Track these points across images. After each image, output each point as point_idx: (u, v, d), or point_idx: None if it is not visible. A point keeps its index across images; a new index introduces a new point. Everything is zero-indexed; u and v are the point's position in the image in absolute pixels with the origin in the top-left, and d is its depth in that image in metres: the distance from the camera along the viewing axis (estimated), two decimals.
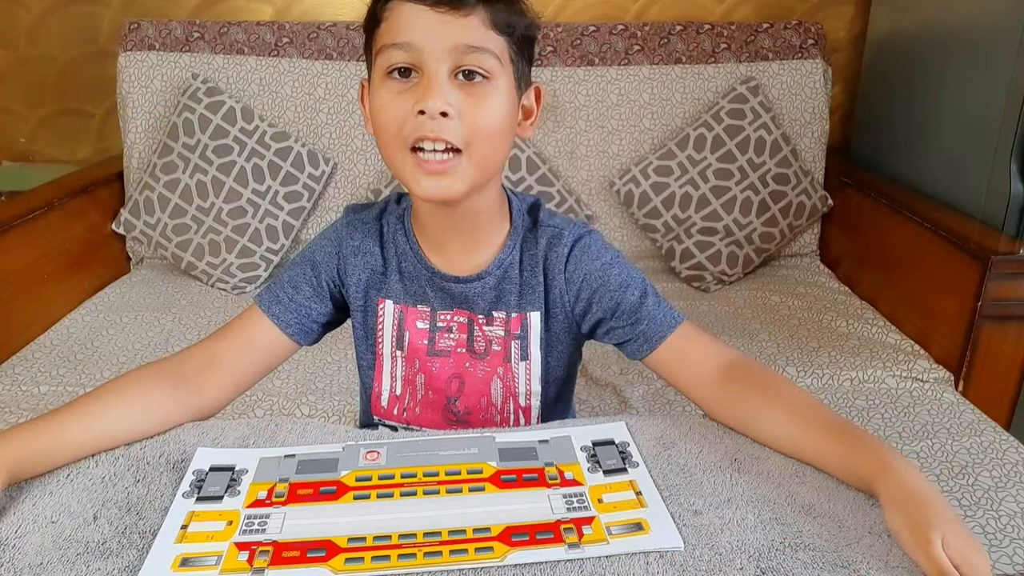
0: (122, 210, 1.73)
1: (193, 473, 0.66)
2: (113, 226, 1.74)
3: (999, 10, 1.43)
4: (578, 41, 1.81)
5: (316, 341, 0.84)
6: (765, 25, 1.83)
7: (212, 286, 1.68)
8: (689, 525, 0.59)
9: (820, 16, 1.96)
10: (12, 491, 0.62)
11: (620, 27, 1.82)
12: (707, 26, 1.83)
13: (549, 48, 1.80)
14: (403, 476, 0.65)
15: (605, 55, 1.81)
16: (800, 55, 1.82)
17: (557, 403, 0.87)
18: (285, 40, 1.80)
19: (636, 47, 1.82)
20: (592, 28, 1.82)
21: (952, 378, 1.34)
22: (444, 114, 0.67)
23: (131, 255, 1.82)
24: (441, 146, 0.68)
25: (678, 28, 1.83)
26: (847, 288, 1.69)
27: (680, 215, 1.73)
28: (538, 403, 0.83)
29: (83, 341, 1.43)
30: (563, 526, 0.58)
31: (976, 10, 1.50)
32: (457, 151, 0.68)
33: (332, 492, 0.63)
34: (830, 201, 1.81)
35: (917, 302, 1.48)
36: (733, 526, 0.58)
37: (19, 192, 1.64)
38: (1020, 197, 1.39)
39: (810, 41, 1.82)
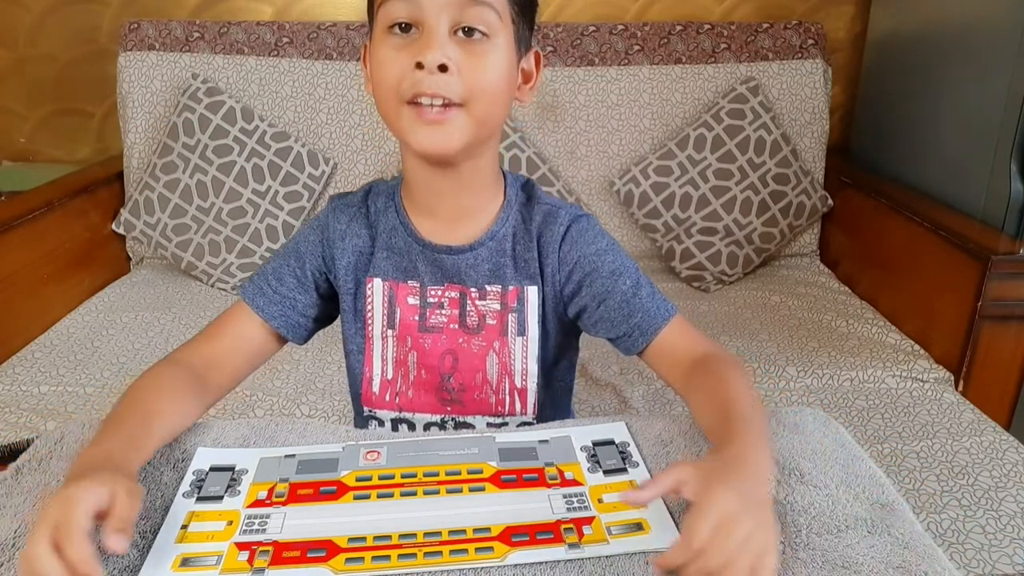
0: (122, 210, 1.73)
1: (193, 473, 0.66)
2: (113, 226, 1.74)
3: (999, 10, 1.43)
4: (578, 41, 1.81)
5: (307, 338, 0.83)
6: (765, 25, 1.83)
7: (212, 286, 1.68)
8: None
9: (820, 16, 1.96)
10: (12, 490, 0.62)
11: (620, 27, 1.82)
12: (707, 26, 1.83)
13: (549, 48, 1.80)
14: (403, 476, 0.65)
15: (605, 55, 1.82)
16: (800, 55, 1.82)
17: (551, 388, 0.85)
18: (285, 40, 1.80)
19: (636, 47, 1.82)
20: (592, 28, 1.82)
21: (952, 378, 1.34)
22: (443, 68, 0.66)
23: (131, 255, 1.82)
24: (439, 102, 0.67)
25: (678, 28, 1.83)
26: (847, 288, 1.69)
27: (680, 215, 1.73)
28: (534, 385, 0.82)
29: (83, 341, 1.43)
30: (563, 526, 0.58)
31: (976, 10, 1.50)
32: (457, 106, 0.68)
33: (332, 492, 0.63)
34: (830, 201, 1.81)
35: (917, 302, 1.48)
36: None
37: (19, 192, 1.64)
38: (1020, 197, 1.39)
39: (810, 41, 1.82)
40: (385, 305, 0.81)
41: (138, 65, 1.76)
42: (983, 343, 1.31)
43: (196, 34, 1.79)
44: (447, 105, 0.68)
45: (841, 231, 1.83)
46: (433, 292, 0.80)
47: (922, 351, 1.40)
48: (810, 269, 1.81)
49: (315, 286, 0.82)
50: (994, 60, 1.43)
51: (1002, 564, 0.91)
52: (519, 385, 0.82)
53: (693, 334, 0.78)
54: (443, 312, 0.80)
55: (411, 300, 0.80)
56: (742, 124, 1.73)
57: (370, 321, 0.81)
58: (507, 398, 0.82)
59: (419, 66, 0.66)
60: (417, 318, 0.80)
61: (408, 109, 0.68)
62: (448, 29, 0.67)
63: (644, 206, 1.74)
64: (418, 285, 0.80)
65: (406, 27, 0.68)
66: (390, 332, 0.81)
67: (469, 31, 0.68)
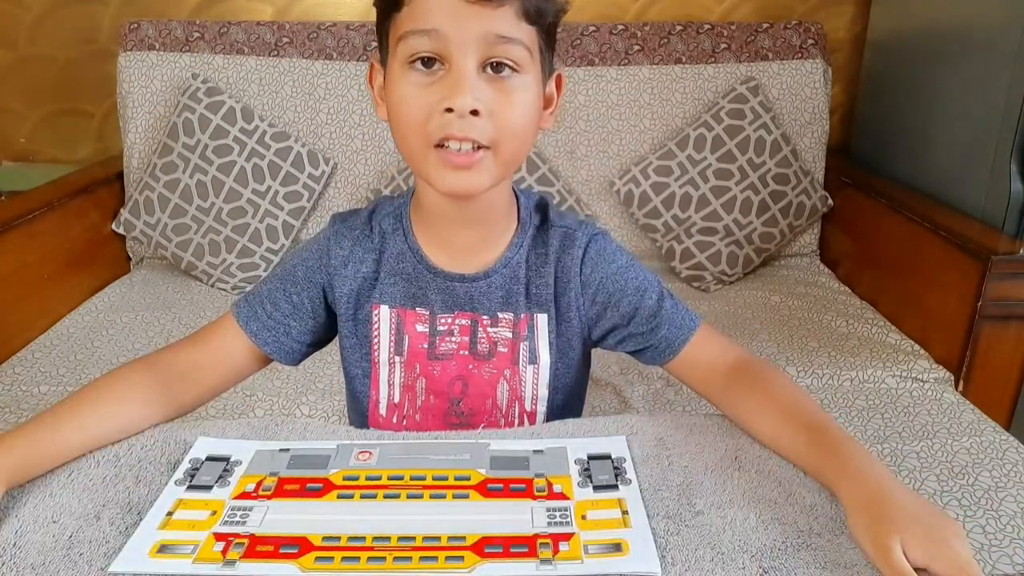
0: (122, 210, 1.73)
1: (189, 462, 0.66)
2: (113, 226, 1.74)
3: (999, 10, 1.43)
4: (578, 41, 1.81)
5: (301, 361, 0.82)
6: (765, 25, 1.83)
7: (212, 286, 1.68)
8: (691, 525, 0.59)
9: (820, 16, 1.96)
10: (13, 491, 0.62)
11: (620, 27, 1.82)
12: (707, 26, 1.83)
13: None
14: (390, 478, 0.64)
15: (605, 55, 1.81)
16: (800, 55, 1.82)
17: (564, 411, 0.84)
18: (285, 40, 1.80)
19: (636, 47, 1.82)
20: (592, 28, 1.82)
21: (952, 378, 1.34)
22: (474, 112, 0.64)
23: (131, 255, 1.82)
24: (468, 145, 0.65)
25: (678, 28, 1.83)
26: (847, 288, 1.69)
27: (680, 215, 1.73)
28: (544, 408, 0.81)
29: (83, 341, 1.43)
30: (540, 541, 0.57)
31: (976, 10, 1.50)
32: (484, 147, 0.66)
33: (318, 489, 0.63)
34: (830, 201, 1.81)
35: (917, 302, 1.48)
36: (735, 526, 0.58)
37: (19, 192, 1.64)
38: (1020, 197, 1.39)
39: (810, 41, 1.82)
40: (392, 332, 0.79)
41: (138, 65, 1.76)
42: (983, 343, 1.31)
43: (196, 34, 1.79)
44: (475, 147, 0.65)
45: (841, 231, 1.83)
46: (443, 320, 0.78)
47: (922, 351, 1.40)
48: (810, 269, 1.81)
49: (311, 313, 0.80)
50: (994, 60, 1.43)
51: (1002, 564, 0.91)
52: (529, 409, 0.81)
53: (719, 340, 0.78)
54: (453, 339, 0.78)
55: (420, 328, 0.78)
56: (742, 124, 1.73)
57: (376, 347, 0.79)
58: (516, 421, 0.81)
59: (448, 110, 0.64)
60: (426, 346, 0.79)
61: (435, 153, 0.66)
62: (476, 66, 0.65)
63: (644, 206, 1.74)
64: (427, 312, 0.78)
65: (428, 61, 0.65)
66: (398, 359, 0.79)
67: (497, 66, 0.65)
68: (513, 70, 0.66)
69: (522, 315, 0.78)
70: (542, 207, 0.81)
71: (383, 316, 0.79)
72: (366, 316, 0.79)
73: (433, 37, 0.64)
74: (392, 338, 0.79)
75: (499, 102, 0.66)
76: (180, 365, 0.76)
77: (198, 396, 0.77)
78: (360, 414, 0.84)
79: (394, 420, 0.82)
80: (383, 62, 0.72)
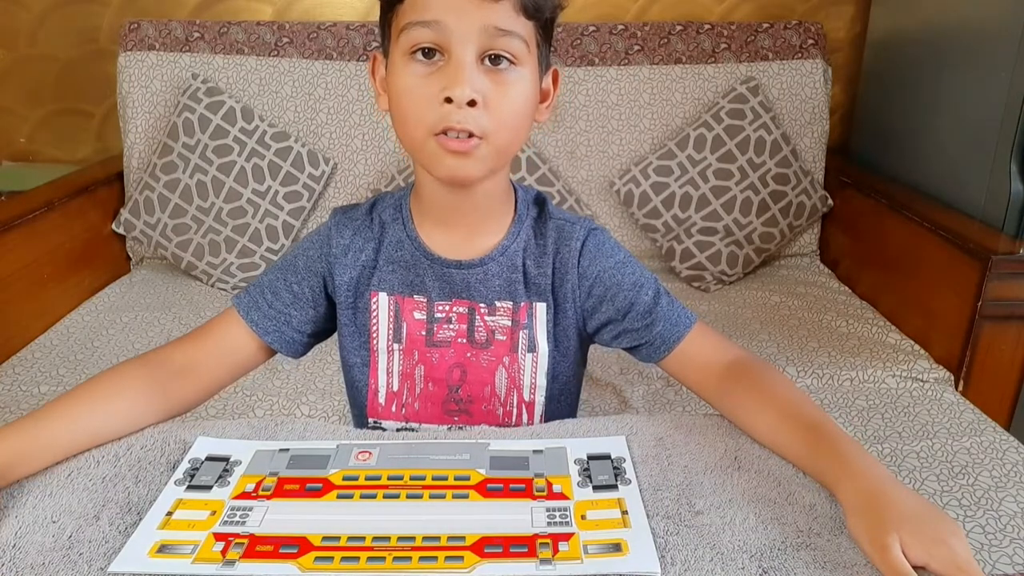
0: (122, 210, 1.73)
1: (189, 462, 0.66)
2: (113, 226, 1.74)
3: (999, 10, 1.43)
4: (578, 41, 1.81)
5: (303, 353, 0.83)
6: (765, 25, 1.83)
7: (212, 286, 1.68)
8: (691, 525, 0.59)
9: (820, 16, 1.96)
10: (13, 491, 0.62)
11: (620, 27, 1.82)
12: (707, 26, 1.83)
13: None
14: (390, 478, 0.64)
15: (605, 55, 1.82)
16: (800, 55, 1.82)
17: (560, 400, 0.85)
18: (285, 40, 1.80)
19: (636, 47, 1.82)
20: (592, 28, 1.82)
21: (952, 378, 1.34)
22: (472, 103, 0.66)
23: (131, 255, 1.82)
24: (466, 135, 0.67)
25: (678, 28, 1.83)
26: (847, 288, 1.69)
27: (680, 215, 1.73)
28: (543, 398, 0.81)
29: (83, 341, 1.43)
30: (539, 541, 0.57)
31: (976, 10, 1.50)
32: (479, 136, 0.68)
33: (318, 489, 0.63)
34: (830, 201, 1.81)
35: (917, 302, 1.48)
36: (735, 526, 0.58)
37: (19, 192, 1.64)
38: (1020, 197, 1.39)
39: (810, 41, 1.82)
40: (391, 320, 0.80)
41: (138, 65, 1.76)
42: (983, 343, 1.31)
43: (196, 34, 1.79)
44: (470, 136, 0.67)
45: (841, 231, 1.83)
46: (440, 307, 0.79)
47: (922, 351, 1.40)
48: (810, 269, 1.81)
49: (312, 303, 0.80)
50: (994, 60, 1.43)
51: (1002, 564, 0.91)
52: (527, 399, 0.81)
53: (717, 339, 0.79)
54: (451, 327, 0.79)
55: (417, 315, 0.79)
56: (742, 124, 1.73)
57: (375, 335, 0.80)
58: (515, 411, 0.82)
59: (447, 100, 0.66)
60: (424, 333, 0.79)
61: (433, 140, 0.68)
62: (475, 57, 0.67)
63: (644, 206, 1.74)
64: (425, 300, 0.79)
65: (429, 52, 0.67)
66: (396, 346, 0.80)
67: (496, 59, 0.67)
68: (511, 63, 0.68)
69: (522, 303, 0.79)
70: (540, 201, 0.82)
71: (382, 303, 0.80)
72: (365, 304, 0.80)
73: (434, 28, 0.66)
74: (391, 325, 0.80)
75: (496, 93, 0.67)
76: (178, 361, 0.76)
77: (198, 392, 0.77)
78: (359, 406, 0.84)
79: (393, 409, 0.82)
80: (385, 53, 0.74)
